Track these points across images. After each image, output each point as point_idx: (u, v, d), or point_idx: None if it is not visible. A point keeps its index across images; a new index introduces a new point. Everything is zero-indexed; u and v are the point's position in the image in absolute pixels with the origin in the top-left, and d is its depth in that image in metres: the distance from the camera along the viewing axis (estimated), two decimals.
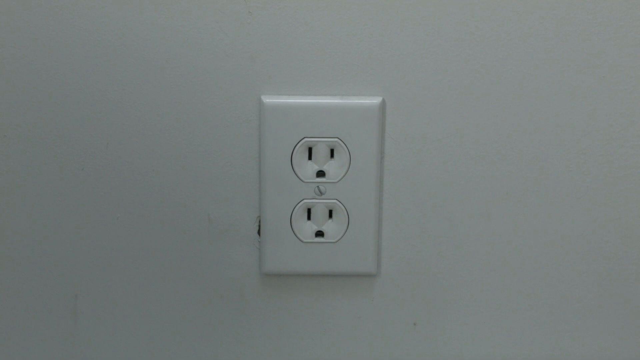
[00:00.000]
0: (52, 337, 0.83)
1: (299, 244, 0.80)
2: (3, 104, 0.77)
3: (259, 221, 0.80)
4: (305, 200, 0.79)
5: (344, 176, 0.78)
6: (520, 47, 0.76)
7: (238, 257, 0.81)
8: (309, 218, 0.79)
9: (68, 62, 0.76)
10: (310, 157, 0.78)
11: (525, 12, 0.75)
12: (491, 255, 0.81)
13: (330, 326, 0.83)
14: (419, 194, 0.80)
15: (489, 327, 0.83)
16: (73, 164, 0.79)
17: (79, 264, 0.81)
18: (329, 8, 0.75)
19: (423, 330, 0.84)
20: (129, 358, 0.84)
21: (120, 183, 0.79)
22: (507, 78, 0.77)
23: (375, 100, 0.77)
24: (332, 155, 0.78)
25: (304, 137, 0.77)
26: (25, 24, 0.75)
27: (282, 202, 0.79)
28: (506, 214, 0.80)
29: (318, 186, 0.78)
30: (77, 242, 0.81)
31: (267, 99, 0.77)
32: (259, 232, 0.80)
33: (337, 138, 0.77)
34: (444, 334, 0.84)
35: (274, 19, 0.75)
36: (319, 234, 0.80)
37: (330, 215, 0.79)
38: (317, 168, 0.78)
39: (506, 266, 0.82)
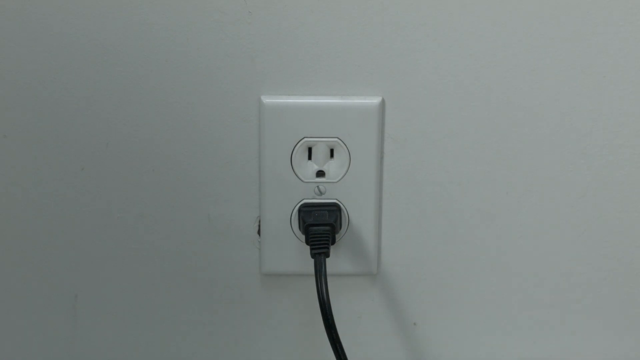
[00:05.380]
0: (52, 337, 0.83)
1: (299, 243, 0.80)
2: (3, 104, 0.77)
3: (259, 221, 0.80)
4: (305, 200, 0.79)
5: (343, 176, 0.78)
6: (520, 47, 0.76)
7: (238, 257, 0.81)
8: None
9: (68, 62, 0.76)
10: (310, 157, 0.78)
11: (525, 12, 0.75)
12: (491, 255, 0.81)
13: None
14: (419, 194, 0.80)
15: (489, 327, 0.83)
16: (73, 164, 0.79)
17: (79, 264, 0.81)
18: (329, 8, 0.75)
19: (423, 330, 0.84)
20: (128, 358, 0.84)
21: (120, 183, 0.79)
22: (507, 78, 0.77)
23: (375, 100, 0.77)
24: (332, 155, 0.78)
25: (304, 137, 0.77)
26: (25, 24, 0.75)
27: (282, 202, 0.79)
28: (506, 214, 0.80)
29: (318, 186, 0.78)
30: (77, 242, 0.81)
31: (267, 99, 0.77)
32: (259, 232, 0.80)
33: (337, 138, 0.77)
34: (444, 334, 0.84)
35: (274, 19, 0.75)
36: None
37: None
38: (317, 168, 0.78)
39: (506, 266, 0.82)
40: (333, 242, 0.78)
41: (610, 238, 0.81)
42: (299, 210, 0.79)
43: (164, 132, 0.78)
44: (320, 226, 0.77)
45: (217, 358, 0.84)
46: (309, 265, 0.77)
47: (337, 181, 0.78)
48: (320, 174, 0.78)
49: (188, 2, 0.75)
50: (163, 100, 0.77)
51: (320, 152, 0.78)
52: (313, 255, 0.76)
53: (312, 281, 0.74)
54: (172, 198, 0.80)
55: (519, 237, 0.81)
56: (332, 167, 0.78)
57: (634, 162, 0.79)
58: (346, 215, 0.79)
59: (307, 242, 0.77)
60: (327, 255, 0.76)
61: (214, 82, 0.77)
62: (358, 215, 0.79)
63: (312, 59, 0.76)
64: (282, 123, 0.77)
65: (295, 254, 0.80)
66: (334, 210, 0.78)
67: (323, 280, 0.74)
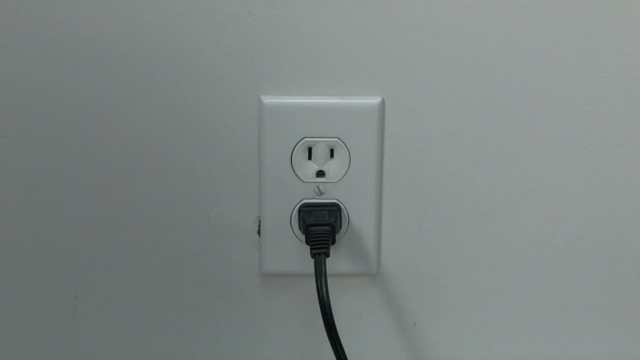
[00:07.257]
0: (52, 337, 0.83)
1: (299, 243, 0.80)
2: (3, 104, 0.77)
3: (259, 221, 0.80)
4: (305, 200, 0.79)
5: (343, 176, 0.78)
6: (520, 47, 0.76)
7: (238, 257, 0.81)
8: None
9: (68, 62, 0.76)
10: (310, 157, 0.78)
11: (525, 11, 0.75)
12: (491, 255, 0.81)
13: None
14: (419, 194, 0.80)
15: (489, 327, 0.84)
16: (73, 164, 0.79)
17: (79, 264, 0.81)
18: (329, 8, 0.75)
19: (423, 330, 0.84)
20: (128, 358, 0.84)
21: (120, 183, 0.79)
22: (507, 78, 0.77)
23: (375, 100, 0.77)
24: (332, 155, 0.78)
25: (304, 137, 0.77)
26: (25, 24, 0.75)
27: (282, 202, 0.79)
28: (506, 214, 0.80)
29: (318, 186, 0.78)
30: (77, 242, 0.81)
31: (267, 99, 0.77)
32: (259, 232, 0.80)
33: (337, 138, 0.77)
34: (444, 334, 0.84)
35: (274, 19, 0.75)
36: None
37: None
38: (317, 168, 0.78)
39: (506, 266, 0.82)
40: (333, 242, 0.78)
41: (610, 238, 0.81)
42: (299, 210, 0.79)
43: (164, 132, 0.78)
44: (320, 226, 0.77)
45: (217, 358, 0.84)
46: (309, 265, 0.77)
47: (337, 181, 0.78)
48: (320, 174, 0.78)
49: (188, 2, 0.75)
50: (163, 100, 0.77)
51: (320, 152, 0.78)
52: (313, 255, 0.76)
53: (312, 281, 0.74)
54: (172, 198, 0.80)
55: (519, 237, 0.81)
56: (332, 167, 0.78)
57: (634, 162, 0.79)
58: (346, 215, 0.79)
59: (307, 242, 0.77)
60: (327, 255, 0.76)
61: (214, 82, 0.77)
62: (358, 215, 0.79)
63: (312, 59, 0.76)
64: (282, 123, 0.77)
65: (295, 254, 0.80)
66: (334, 210, 0.78)
67: (323, 280, 0.74)
